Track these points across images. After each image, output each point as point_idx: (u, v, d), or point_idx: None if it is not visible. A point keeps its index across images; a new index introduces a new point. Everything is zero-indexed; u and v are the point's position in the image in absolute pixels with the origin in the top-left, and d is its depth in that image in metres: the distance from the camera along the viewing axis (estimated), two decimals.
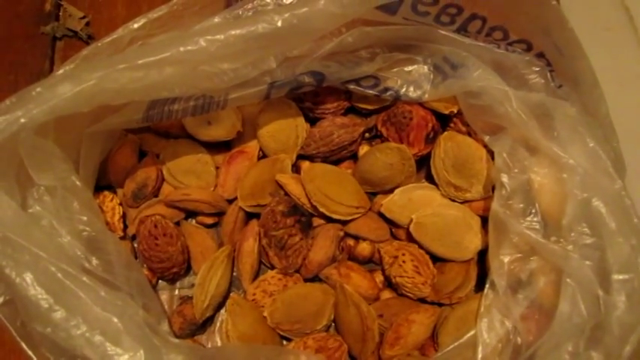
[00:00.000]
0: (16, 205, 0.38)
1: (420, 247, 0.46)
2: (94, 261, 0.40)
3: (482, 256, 0.45)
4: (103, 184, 0.49)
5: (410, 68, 0.46)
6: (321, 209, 0.45)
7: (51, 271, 0.37)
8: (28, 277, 0.36)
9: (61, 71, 0.41)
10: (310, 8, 0.38)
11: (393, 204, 0.46)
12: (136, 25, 0.43)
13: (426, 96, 0.46)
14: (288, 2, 0.41)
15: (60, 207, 0.40)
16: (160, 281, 0.48)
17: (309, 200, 0.46)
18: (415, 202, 0.46)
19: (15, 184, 0.39)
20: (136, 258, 0.48)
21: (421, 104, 0.47)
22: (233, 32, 0.37)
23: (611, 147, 0.42)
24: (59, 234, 0.40)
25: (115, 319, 0.37)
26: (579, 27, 0.41)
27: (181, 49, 0.37)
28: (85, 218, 0.41)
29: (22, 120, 0.36)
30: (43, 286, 0.36)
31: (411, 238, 0.46)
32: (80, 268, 0.39)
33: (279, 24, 0.37)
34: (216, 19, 0.41)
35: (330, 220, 0.47)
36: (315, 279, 0.47)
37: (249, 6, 0.42)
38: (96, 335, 0.36)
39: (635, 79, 0.56)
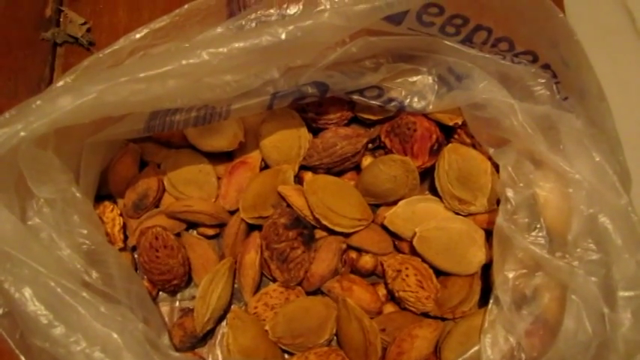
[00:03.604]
0: (15, 218, 0.37)
1: (424, 260, 0.45)
2: (94, 274, 0.40)
3: (486, 270, 0.45)
4: (103, 193, 0.48)
5: (414, 79, 0.46)
6: (324, 222, 0.45)
7: (50, 286, 0.36)
8: (27, 292, 0.36)
9: (61, 83, 0.40)
10: (315, 21, 0.37)
11: (396, 216, 0.46)
12: (137, 36, 0.42)
13: (431, 107, 0.46)
14: (292, 13, 0.41)
15: (60, 220, 0.40)
16: (160, 293, 0.48)
17: (311, 212, 0.45)
18: (419, 215, 0.46)
19: (14, 197, 0.39)
20: (136, 269, 0.47)
21: (425, 115, 0.47)
22: (236, 45, 0.37)
23: (617, 160, 0.41)
24: (59, 247, 0.39)
25: (115, 335, 0.36)
26: (581, 30, 0.40)
27: (184, 62, 0.36)
28: (85, 231, 0.40)
29: (22, 133, 0.36)
30: (42, 301, 0.36)
31: (414, 252, 0.45)
32: (80, 282, 0.38)
33: (283, 37, 0.37)
34: (219, 30, 0.41)
35: (332, 232, 0.46)
36: (317, 292, 0.47)
37: (252, 16, 0.42)
38: (96, 352, 0.35)
39: (637, 81, 0.55)
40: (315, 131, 0.49)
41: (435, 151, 0.47)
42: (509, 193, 0.41)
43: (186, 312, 0.46)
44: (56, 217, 0.40)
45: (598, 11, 0.58)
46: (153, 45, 0.42)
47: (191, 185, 0.48)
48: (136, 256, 0.47)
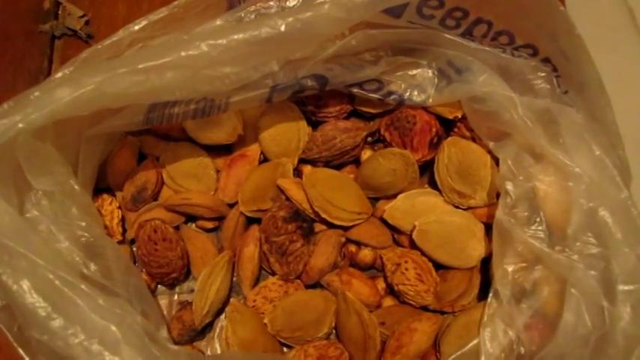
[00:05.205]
0: (13, 210, 0.37)
1: (423, 254, 0.45)
2: (93, 267, 0.40)
3: (486, 263, 0.45)
4: (102, 186, 0.48)
5: (414, 72, 0.45)
6: (323, 215, 0.45)
7: (49, 279, 0.36)
8: (25, 284, 0.36)
9: (59, 74, 0.40)
10: (314, 13, 0.37)
11: (395, 210, 0.46)
12: (136, 27, 0.42)
13: (430, 100, 0.45)
14: (291, 5, 0.41)
15: (58, 212, 0.40)
16: (159, 286, 0.48)
17: (310, 206, 0.45)
18: (418, 209, 0.46)
19: (12, 189, 0.38)
20: (134, 262, 0.47)
21: (425, 109, 0.47)
22: (235, 36, 0.37)
23: (617, 154, 0.41)
24: (57, 239, 0.39)
25: (114, 328, 0.36)
26: (582, 27, 0.40)
27: (183, 53, 0.36)
28: (83, 224, 0.40)
29: (20, 125, 0.35)
30: (40, 293, 0.36)
31: (413, 245, 0.45)
32: (78, 274, 0.38)
33: (283, 28, 0.37)
34: (218, 22, 0.41)
35: (331, 225, 0.46)
36: (316, 285, 0.46)
37: (252, 8, 0.41)
38: (94, 344, 0.35)
39: (637, 77, 0.55)
40: (314, 124, 0.49)
41: (435, 145, 0.47)
42: (509, 186, 0.41)
43: (185, 305, 0.46)
44: (54, 210, 0.40)
45: (598, 7, 0.58)
46: (152, 37, 0.42)
47: (190, 178, 0.48)
48: (134, 249, 0.47)
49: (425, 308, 0.45)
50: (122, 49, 0.42)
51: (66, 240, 0.39)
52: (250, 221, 0.48)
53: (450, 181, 0.45)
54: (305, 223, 0.45)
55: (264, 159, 0.49)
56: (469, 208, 0.46)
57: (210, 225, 0.48)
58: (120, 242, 0.47)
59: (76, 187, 0.41)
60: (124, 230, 0.48)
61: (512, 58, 0.43)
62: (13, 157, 0.38)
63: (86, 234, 0.40)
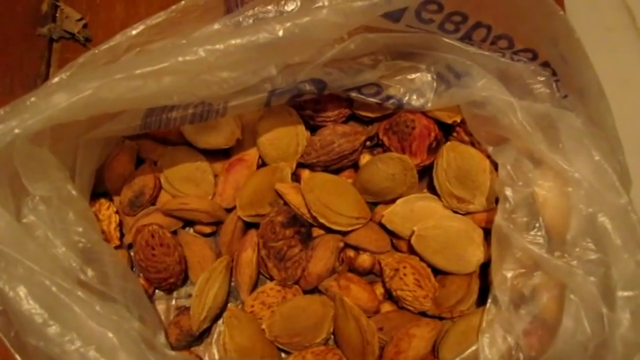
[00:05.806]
0: (9, 216, 0.37)
1: (422, 259, 0.45)
2: (90, 272, 0.39)
3: (485, 269, 0.45)
4: (99, 191, 0.48)
5: (413, 76, 0.45)
6: (321, 220, 0.45)
7: (45, 285, 0.36)
8: (22, 290, 0.35)
9: (56, 79, 0.40)
10: (312, 18, 0.37)
11: (394, 215, 0.46)
12: (134, 32, 0.42)
13: (429, 105, 0.45)
14: (289, 10, 0.41)
15: (55, 217, 0.39)
16: (156, 291, 0.48)
17: (308, 210, 0.45)
18: (417, 214, 0.46)
19: (9, 194, 0.38)
20: (132, 267, 0.47)
21: (424, 113, 0.47)
22: (233, 42, 0.36)
23: (616, 160, 0.41)
24: (54, 245, 0.39)
25: (111, 334, 0.36)
26: (581, 27, 0.40)
27: (180, 59, 0.36)
28: (80, 229, 0.40)
29: (17, 130, 0.35)
30: (37, 300, 0.35)
31: (412, 250, 0.45)
32: (75, 280, 0.38)
33: (281, 33, 0.37)
34: (216, 27, 0.40)
35: (330, 230, 0.46)
36: (314, 291, 0.46)
37: (250, 13, 0.41)
38: (91, 351, 0.35)
39: (636, 79, 0.55)
40: (312, 129, 0.49)
41: (434, 149, 0.47)
42: (508, 191, 0.40)
43: (183, 310, 0.46)
44: (51, 215, 0.39)
45: (598, 9, 0.58)
46: (149, 41, 0.42)
47: (188, 183, 0.48)
48: (132, 254, 0.47)
49: (423, 314, 0.45)
50: (119, 54, 0.42)
51: (63, 245, 0.39)
52: (248, 226, 0.48)
53: (448, 186, 0.45)
54: (303, 228, 0.45)
55: (262, 163, 0.49)
56: (468, 213, 0.46)
57: (208, 230, 0.48)
58: (117, 247, 0.47)
59: (73, 192, 0.41)
60: (122, 235, 0.48)
61: (511, 62, 0.42)
62: (10, 163, 0.37)
63: (83, 239, 0.40)
